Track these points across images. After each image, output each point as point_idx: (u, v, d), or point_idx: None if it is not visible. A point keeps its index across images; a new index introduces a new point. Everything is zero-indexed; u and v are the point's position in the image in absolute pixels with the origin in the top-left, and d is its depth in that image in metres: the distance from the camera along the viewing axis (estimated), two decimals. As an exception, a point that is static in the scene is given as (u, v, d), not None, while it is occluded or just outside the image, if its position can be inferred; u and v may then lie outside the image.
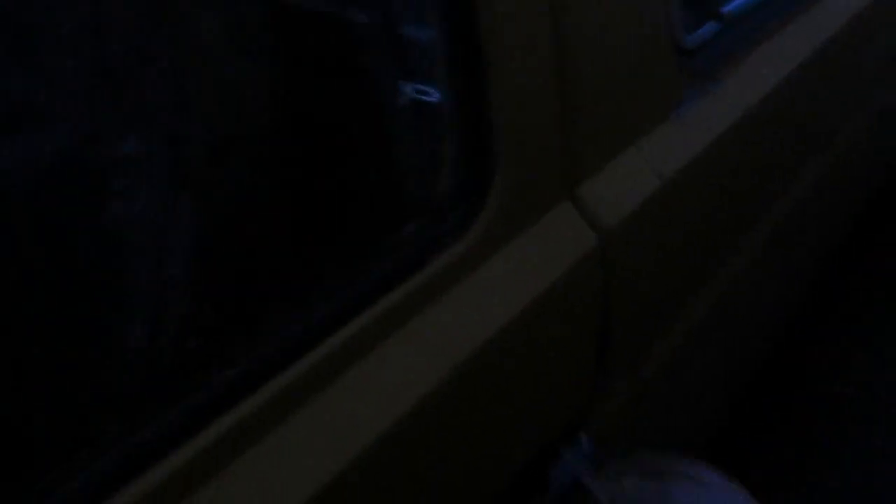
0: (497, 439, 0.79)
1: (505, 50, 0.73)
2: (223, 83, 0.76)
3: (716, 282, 1.18)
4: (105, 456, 0.51)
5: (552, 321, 0.81)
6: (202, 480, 0.54)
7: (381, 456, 0.63)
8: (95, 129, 0.64)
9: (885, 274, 2.17)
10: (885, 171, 2.12)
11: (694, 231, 1.03)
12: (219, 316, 0.63)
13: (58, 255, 0.57)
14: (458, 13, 0.72)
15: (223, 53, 0.79)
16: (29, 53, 0.57)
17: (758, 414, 1.72)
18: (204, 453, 0.54)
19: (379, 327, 0.67)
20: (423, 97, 0.88)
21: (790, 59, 1.23)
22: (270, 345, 0.62)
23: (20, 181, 0.57)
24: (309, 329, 0.63)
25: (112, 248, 0.61)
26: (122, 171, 0.65)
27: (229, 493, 0.55)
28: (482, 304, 0.73)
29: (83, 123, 0.63)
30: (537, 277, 0.79)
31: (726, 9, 1.10)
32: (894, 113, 1.93)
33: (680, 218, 0.98)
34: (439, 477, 0.72)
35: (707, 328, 1.18)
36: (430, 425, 0.68)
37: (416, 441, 0.67)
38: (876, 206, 2.16)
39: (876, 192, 2.11)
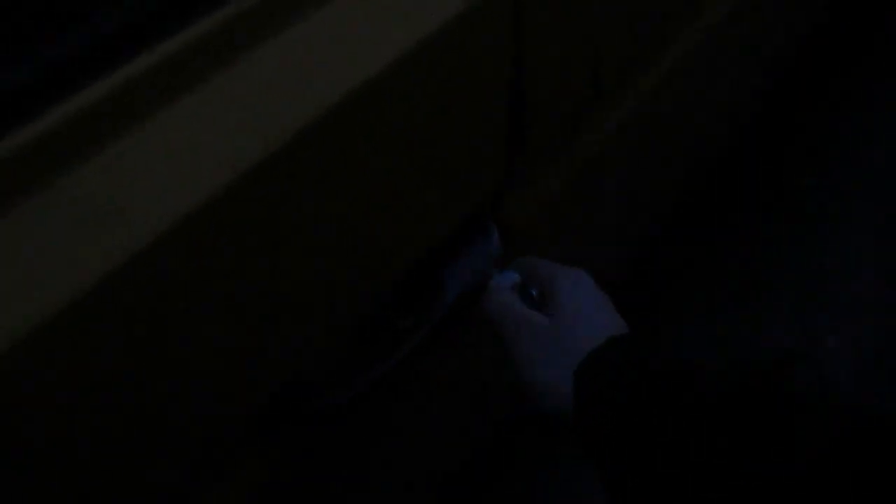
0: (381, 217, 0.66)
1: None
2: None
3: (670, 48, 1.00)
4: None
5: (448, 69, 0.66)
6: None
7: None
8: None
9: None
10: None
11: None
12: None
13: None
14: None
15: None
16: None
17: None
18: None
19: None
20: None
21: None
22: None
23: None
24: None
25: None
26: None
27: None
28: (366, 31, 0.60)
29: None
30: (421, 16, 0.63)
31: None
32: None
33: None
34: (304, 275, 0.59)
35: (654, 112, 1.01)
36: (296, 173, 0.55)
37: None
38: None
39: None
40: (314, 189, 0.58)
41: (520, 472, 1.28)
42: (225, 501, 0.62)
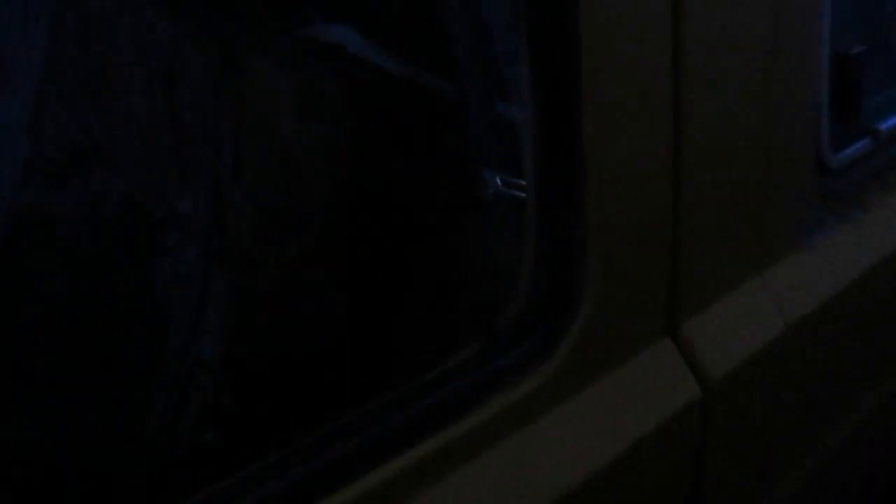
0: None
1: (608, 150, 0.63)
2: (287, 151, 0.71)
3: (827, 443, 1.00)
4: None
5: (630, 481, 0.68)
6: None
7: None
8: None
9: None
10: None
11: (813, 389, 0.86)
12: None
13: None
14: (559, 94, 0.61)
15: (291, 118, 0.72)
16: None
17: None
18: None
19: (421, 473, 0.56)
20: (509, 190, 0.76)
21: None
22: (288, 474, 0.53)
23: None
24: (335, 466, 0.54)
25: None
26: (167, 235, 0.65)
27: None
28: (548, 455, 0.63)
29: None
30: (618, 432, 0.67)
31: (883, 125, 0.94)
32: None
33: (801, 373, 0.82)
34: None
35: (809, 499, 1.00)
36: None
37: None
38: None
39: None
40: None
41: None
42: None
